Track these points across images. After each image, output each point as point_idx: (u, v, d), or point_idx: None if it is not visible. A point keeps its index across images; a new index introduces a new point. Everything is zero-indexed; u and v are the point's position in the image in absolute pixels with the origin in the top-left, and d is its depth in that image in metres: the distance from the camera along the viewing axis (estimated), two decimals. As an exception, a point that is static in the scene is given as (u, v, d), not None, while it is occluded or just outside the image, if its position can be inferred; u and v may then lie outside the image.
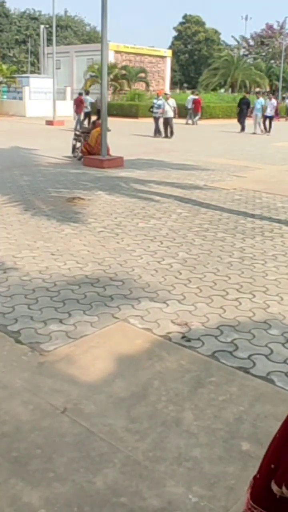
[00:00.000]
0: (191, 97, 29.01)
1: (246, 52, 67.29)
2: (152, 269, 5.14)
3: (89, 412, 2.80)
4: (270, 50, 65.77)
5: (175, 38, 72.82)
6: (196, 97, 28.83)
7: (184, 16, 72.46)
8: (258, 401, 2.94)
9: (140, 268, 5.14)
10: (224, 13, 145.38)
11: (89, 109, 22.49)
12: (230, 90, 50.30)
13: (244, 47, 68.35)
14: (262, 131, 24.41)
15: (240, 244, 6.10)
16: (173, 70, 57.90)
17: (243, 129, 25.10)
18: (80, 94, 23.72)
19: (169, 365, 3.31)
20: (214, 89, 50.79)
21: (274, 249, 5.94)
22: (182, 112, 31.04)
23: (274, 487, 1.54)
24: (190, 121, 28.41)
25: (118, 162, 12.26)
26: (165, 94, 22.72)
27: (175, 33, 73.32)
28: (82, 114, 22.21)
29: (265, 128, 24.41)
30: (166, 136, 20.92)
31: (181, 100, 39.29)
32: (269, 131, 24.12)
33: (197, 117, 28.62)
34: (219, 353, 3.49)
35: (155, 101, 21.92)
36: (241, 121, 25.34)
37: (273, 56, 63.95)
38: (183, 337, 3.72)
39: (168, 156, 14.57)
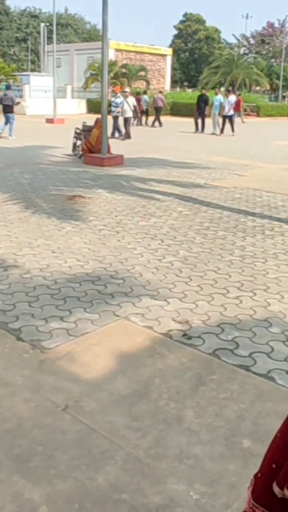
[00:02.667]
0: (233, 97, 30.50)
1: (247, 51, 67.17)
2: (152, 267, 5.14)
3: (90, 410, 2.80)
4: (271, 48, 65.67)
5: (176, 36, 72.74)
6: (237, 97, 30.57)
7: (185, 15, 72.40)
8: (259, 399, 2.94)
9: (141, 266, 5.15)
10: (224, 12, 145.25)
11: (144, 107, 25.92)
12: (230, 88, 50.17)
13: (244, 46, 68.23)
14: (220, 131, 21.95)
15: (241, 242, 6.10)
16: (173, 69, 57.88)
17: (199, 128, 22.71)
18: (138, 93, 26.86)
19: (170, 363, 3.32)
20: (214, 88, 50.73)
21: (275, 247, 5.94)
22: (182, 110, 31.31)
23: (276, 489, 1.54)
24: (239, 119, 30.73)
25: (118, 160, 12.25)
26: (124, 91, 20.25)
27: (175, 32, 73.25)
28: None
29: (222, 129, 21.84)
30: (127, 137, 18.86)
31: (181, 99, 39.43)
32: (232, 131, 21.62)
33: (240, 116, 30.15)
34: (220, 351, 3.49)
35: (113, 99, 19.92)
36: (199, 120, 22.80)
37: (274, 55, 63.86)
38: (184, 335, 3.72)
39: (168, 154, 14.56)
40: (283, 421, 1.66)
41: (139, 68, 42.50)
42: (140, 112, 25.49)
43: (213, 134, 22.07)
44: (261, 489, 1.64)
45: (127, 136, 18.90)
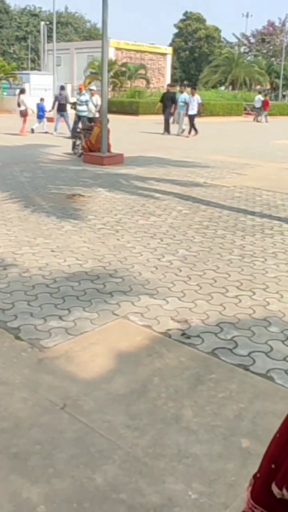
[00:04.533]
0: (259, 97, 32.43)
1: (247, 50, 67.17)
2: (152, 266, 5.14)
3: (88, 409, 2.79)
4: (271, 47, 65.65)
5: (176, 35, 72.70)
6: (264, 98, 32.08)
7: (185, 13, 72.34)
8: (258, 398, 2.94)
9: (140, 265, 5.14)
10: (224, 11, 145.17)
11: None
12: (230, 88, 50.25)
13: (245, 45, 68.23)
14: (181, 131, 20.72)
15: (240, 241, 6.09)
16: (173, 67, 57.83)
17: (167, 129, 20.93)
18: (174, 93, 27.11)
19: (168, 362, 3.31)
20: (214, 87, 50.76)
21: (274, 246, 5.93)
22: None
23: (275, 489, 1.53)
24: (259, 118, 31.71)
25: (118, 159, 12.24)
26: (89, 89, 17.94)
27: (175, 30, 73.21)
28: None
29: (190, 129, 20.46)
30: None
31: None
32: (195, 131, 20.31)
33: (265, 115, 31.67)
34: (219, 350, 3.49)
35: (78, 96, 18.28)
36: (166, 119, 21.01)
37: (274, 54, 63.86)
38: (183, 334, 3.72)
39: (168, 153, 14.56)
40: (282, 421, 1.66)
41: (139, 66, 42.51)
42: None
43: (179, 135, 20.58)
44: (260, 489, 1.63)
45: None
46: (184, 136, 20.26)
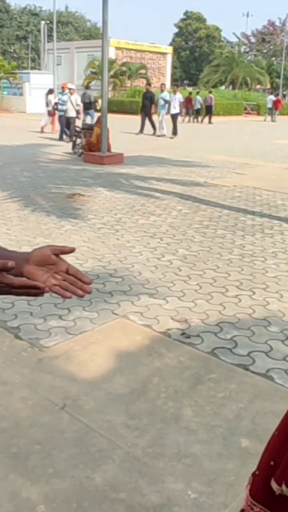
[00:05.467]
0: (271, 97, 33.58)
1: (247, 49, 67.14)
2: (152, 265, 5.14)
3: (88, 408, 2.80)
4: (272, 47, 65.62)
5: (176, 34, 72.64)
6: (276, 97, 33.38)
7: (185, 13, 72.28)
8: (258, 398, 2.94)
9: (140, 265, 5.14)
10: (225, 10, 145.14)
11: (198, 106, 28.49)
12: (230, 87, 50.23)
13: (245, 44, 68.21)
14: (172, 132, 19.64)
15: (240, 241, 6.09)
16: (173, 67, 57.78)
17: (155, 130, 20.05)
18: (190, 93, 29.71)
19: (168, 362, 3.31)
20: (214, 86, 50.73)
21: (274, 246, 5.93)
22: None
23: (274, 485, 1.53)
24: (269, 118, 32.62)
25: (118, 159, 12.24)
26: (69, 89, 17.46)
27: (176, 30, 73.16)
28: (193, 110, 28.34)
29: (174, 130, 19.68)
30: (71, 140, 16.14)
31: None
32: (174, 133, 19.56)
33: (276, 114, 32.77)
34: (219, 350, 3.49)
35: (60, 96, 17.89)
36: (143, 119, 20.01)
37: (274, 53, 63.83)
38: (183, 333, 3.72)
39: (168, 153, 14.56)
40: (281, 419, 1.66)
41: (139, 66, 42.46)
42: (192, 111, 28.73)
43: (160, 135, 19.64)
44: (259, 486, 1.63)
45: (70, 138, 16.37)
46: (168, 137, 19.37)
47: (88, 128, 13.56)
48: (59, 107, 17.19)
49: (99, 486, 2.26)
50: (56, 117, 18.69)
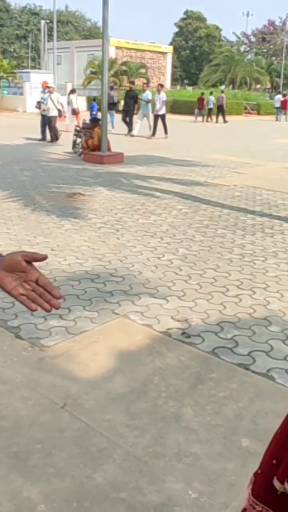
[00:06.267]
0: (279, 97, 33.81)
1: (247, 49, 67.10)
2: (152, 265, 5.13)
3: (88, 408, 2.79)
4: (272, 46, 65.58)
5: (176, 34, 72.64)
6: (283, 97, 33.28)
7: (185, 12, 72.28)
8: (258, 398, 2.94)
9: (140, 264, 5.14)
10: (225, 10, 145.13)
11: (211, 106, 29.33)
12: (230, 87, 50.21)
13: (245, 44, 68.17)
14: (150, 135, 18.75)
15: (240, 240, 6.09)
16: (174, 66, 57.80)
17: (130, 130, 19.24)
18: (203, 93, 30.21)
19: (169, 361, 3.31)
20: (214, 86, 50.71)
21: (275, 246, 5.93)
22: (182, 108, 31.57)
23: (277, 483, 1.53)
24: (281, 118, 32.92)
25: (118, 158, 12.24)
26: (48, 87, 17.01)
27: (176, 29, 73.17)
28: (205, 110, 29.12)
29: (153, 131, 18.87)
30: (52, 140, 16.43)
31: (181, 97, 39.35)
32: (153, 133, 18.73)
33: (285, 115, 33.00)
34: (219, 350, 3.48)
35: (41, 94, 17.32)
36: (128, 119, 19.30)
37: (275, 53, 63.80)
38: (183, 333, 3.72)
39: (168, 152, 14.55)
40: (284, 417, 1.65)
41: (140, 65, 42.47)
42: (203, 111, 29.47)
43: (132, 135, 18.94)
44: (261, 485, 1.63)
45: (55, 138, 16.43)
46: (146, 137, 18.59)
47: (88, 128, 13.54)
48: (41, 106, 16.74)
49: (99, 485, 2.26)
50: (80, 115, 18.58)
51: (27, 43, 67.19)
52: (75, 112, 19.14)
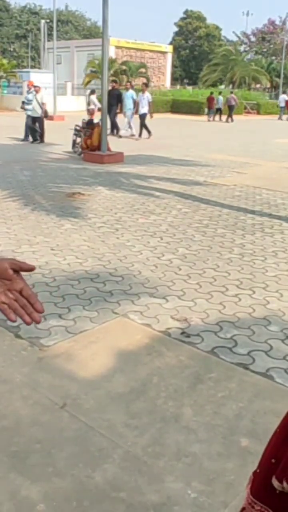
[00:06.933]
0: (283, 96, 34.72)
1: (247, 48, 67.04)
2: (151, 264, 5.14)
3: (88, 407, 2.80)
4: (271, 46, 65.53)
5: (176, 33, 72.56)
6: None
7: (185, 12, 72.18)
8: (258, 397, 2.94)
9: (140, 264, 5.14)
10: (225, 9, 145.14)
11: (220, 106, 30.22)
12: (230, 86, 50.15)
13: (245, 43, 68.11)
14: (132, 134, 18.40)
15: (240, 240, 6.09)
16: (173, 66, 57.78)
17: (117, 130, 18.60)
18: (212, 93, 31.33)
19: (168, 361, 3.31)
20: (214, 85, 50.70)
21: (274, 245, 5.93)
22: (182, 108, 31.58)
23: (275, 482, 1.53)
24: (283, 117, 33.59)
25: (118, 158, 12.24)
26: (34, 86, 16.43)
27: (176, 29, 73.09)
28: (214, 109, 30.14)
29: (140, 131, 18.52)
30: (34, 140, 16.13)
31: (181, 96, 39.34)
32: (148, 133, 18.27)
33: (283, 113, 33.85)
34: (219, 349, 3.49)
35: (26, 95, 16.80)
36: (111, 120, 18.18)
37: (275, 52, 63.75)
38: (183, 333, 3.72)
39: (168, 151, 14.55)
40: (283, 417, 1.66)
41: (139, 65, 42.43)
42: (212, 110, 30.27)
43: (120, 136, 18.17)
44: (260, 484, 1.63)
45: (41, 137, 16.16)
46: (133, 138, 18.19)
47: (88, 127, 13.53)
48: (25, 106, 16.28)
49: (99, 485, 2.26)
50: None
51: (27, 42, 67.16)
52: (90, 112, 18.84)
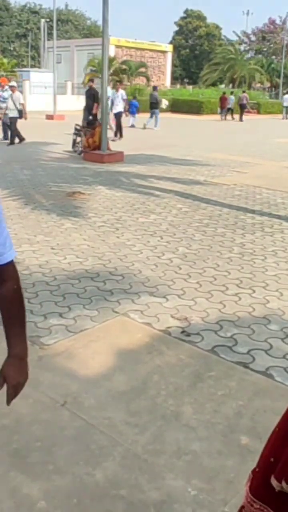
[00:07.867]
0: (287, 96, 34.81)
1: (247, 48, 67.00)
2: (152, 264, 5.14)
3: (88, 406, 2.81)
4: (272, 45, 65.48)
5: (176, 33, 72.49)
6: None
7: (185, 11, 72.13)
8: (257, 396, 2.95)
9: (140, 263, 5.15)
10: (225, 8, 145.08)
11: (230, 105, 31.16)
12: (230, 85, 50.12)
13: (245, 43, 68.05)
14: (119, 134, 17.74)
15: (240, 239, 6.10)
16: (173, 65, 57.75)
17: (120, 134, 17.92)
18: (224, 93, 32.03)
19: (168, 360, 3.32)
20: (214, 84, 50.69)
21: (274, 244, 5.94)
22: (182, 107, 31.56)
23: (274, 482, 1.54)
24: (285, 116, 33.96)
25: (118, 157, 12.24)
26: (10, 86, 15.77)
27: (176, 28, 73.02)
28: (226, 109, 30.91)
29: (120, 131, 17.87)
30: (11, 143, 15.25)
31: (181, 96, 39.32)
32: (118, 135, 17.66)
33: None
34: (219, 348, 3.50)
35: (0, 93, 16.12)
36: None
37: (275, 52, 63.69)
38: (183, 331, 3.73)
39: (168, 151, 14.55)
40: (282, 416, 1.66)
41: (139, 64, 42.38)
42: (223, 110, 31.13)
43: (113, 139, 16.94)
44: (259, 483, 1.64)
45: (20, 139, 15.49)
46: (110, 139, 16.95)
47: (88, 127, 13.53)
48: (1, 105, 15.75)
49: (99, 482, 2.27)
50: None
51: (27, 41, 67.10)
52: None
